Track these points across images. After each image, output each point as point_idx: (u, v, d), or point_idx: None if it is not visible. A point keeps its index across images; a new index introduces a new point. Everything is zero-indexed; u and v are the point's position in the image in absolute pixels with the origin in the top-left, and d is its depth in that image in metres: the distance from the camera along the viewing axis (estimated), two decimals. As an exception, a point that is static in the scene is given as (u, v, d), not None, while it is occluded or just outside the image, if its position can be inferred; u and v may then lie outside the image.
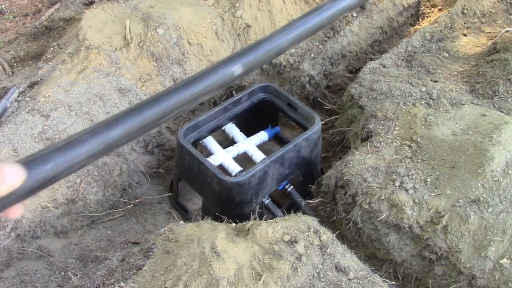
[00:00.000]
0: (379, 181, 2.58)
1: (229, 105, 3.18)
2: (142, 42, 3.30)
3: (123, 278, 2.03)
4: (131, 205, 3.13)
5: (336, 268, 2.01)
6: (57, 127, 2.82)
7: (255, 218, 2.26)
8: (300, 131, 3.32)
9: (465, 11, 3.89)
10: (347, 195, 2.64)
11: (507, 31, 3.64)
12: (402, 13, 4.23)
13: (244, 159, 3.27)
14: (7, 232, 2.55)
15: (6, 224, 2.55)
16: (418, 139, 2.71)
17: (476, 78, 3.30)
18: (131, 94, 3.19)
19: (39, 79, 3.08)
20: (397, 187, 2.52)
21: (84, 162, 0.85)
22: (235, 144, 3.22)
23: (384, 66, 3.44)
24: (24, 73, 3.30)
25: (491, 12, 3.93)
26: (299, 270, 1.95)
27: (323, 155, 3.40)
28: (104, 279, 2.11)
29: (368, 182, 2.58)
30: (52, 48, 3.37)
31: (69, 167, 0.83)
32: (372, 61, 3.50)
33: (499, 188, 2.40)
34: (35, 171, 0.78)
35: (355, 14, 3.94)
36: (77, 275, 2.56)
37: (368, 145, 2.81)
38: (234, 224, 2.25)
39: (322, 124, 3.27)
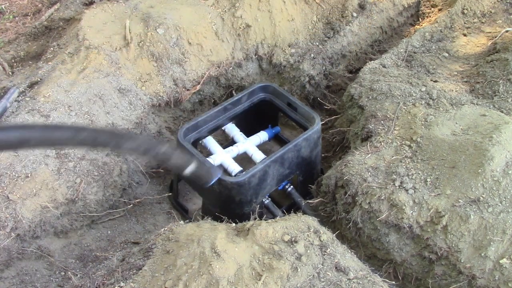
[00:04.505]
0: (379, 181, 2.58)
1: (229, 105, 3.17)
2: (142, 42, 3.30)
3: (123, 278, 2.03)
4: (131, 205, 3.12)
5: (336, 268, 2.01)
6: (57, 127, 2.82)
7: (255, 218, 2.26)
8: (300, 131, 3.32)
9: (465, 11, 3.89)
10: (347, 195, 2.64)
11: (507, 31, 3.64)
12: (402, 13, 4.23)
13: (244, 159, 3.27)
14: (7, 232, 2.55)
15: (6, 224, 2.55)
16: (418, 139, 2.71)
17: (476, 78, 3.30)
18: (131, 94, 3.19)
19: (39, 79, 3.08)
20: (397, 187, 2.52)
21: None
22: (235, 144, 3.22)
23: (384, 66, 3.44)
24: (24, 73, 3.30)
25: (491, 12, 3.93)
26: (299, 270, 1.95)
27: (323, 155, 3.40)
28: (104, 279, 2.11)
29: (368, 182, 2.58)
30: (52, 48, 3.36)
31: None
32: (372, 61, 3.50)
33: (499, 188, 2.40)
34: None
35: (355, 14, 3.94)
36: (77, 275, 2.56)
37: (368, 145, 2.81)
38: (234, 224, 2.25)
39: (322, 124, 3.27)
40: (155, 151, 1.38)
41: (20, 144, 1.08)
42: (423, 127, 2.77)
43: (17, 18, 4.15)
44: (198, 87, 3.50)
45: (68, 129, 1.18)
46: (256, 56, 3.75)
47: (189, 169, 1.51)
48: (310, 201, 2.97)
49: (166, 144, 1.44)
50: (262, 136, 3.40)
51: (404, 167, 2.60)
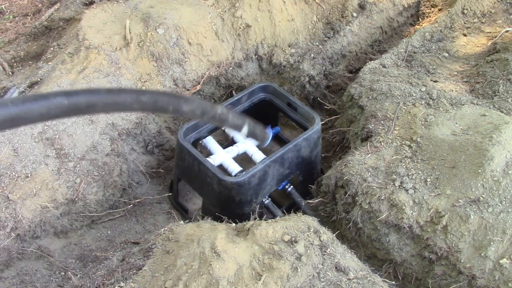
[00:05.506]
0: (379, 181, 2.58)
1: (229, 105, 3.17)
2: (142, 42, 3.30)
3: (123, 278, 2.03)
4: (131, 205, 3.12)
5: (336, 268, 2.01)
6: (57, 127, 2.82)
7: (255, 218, 2.26)
8: (300, 131, 3.32)
9: (465, 11, 3.89)
10: (347, 195, 2.64)
11: (507, 31, 3.64)
12: (402, 13, 4.23)
13: (244, 159, 3.26)
14: (7, 232, 2.55)
15: (6, 224, 2.54)
16: (418, 139, 2.71)
17: (476, 78, 3.30)
18: (131, 94, 3.18)
19: (39, 79, 3.08)
20: (397, 187, 2.52)
21: None
22: (235, 144, 3.22)
23: (384, 66, 3.44)
24: (24, 73, 3.30)
25: (491, 12, 3.93)
26: (299, 270, 1.95)
27: (323, 155, 3.40)
28: (104, 279, 2.11)
29: (368, 182, 2.58)
30: (52, 48, 3.37)
31: None
32: (372, 61, 3.50)
33: (499, 188, 2.40)
34: None
35: (355, 14, 3.94)
36: (77, 275, 2.56)
37: (368, 145, 2.81)
38: (234, 224, 2.25)
39: (322, 124, 3.27)
40: (213, 113, 1.37)
41: (87, 109, 1.06)
42: (423, 127, 2.77)
43: (17, 18, 4.15)
44: (198, 87, 3.50)
45: (130, 92, 1.16)
46: (256, 56, 3.75)
47: (245, 129, 1.52)
48: (310, 201, 2.97)
49: (219, 106, 1.44)
50: (262, 136, 3.39)
51: (404, 167, 2.60)
